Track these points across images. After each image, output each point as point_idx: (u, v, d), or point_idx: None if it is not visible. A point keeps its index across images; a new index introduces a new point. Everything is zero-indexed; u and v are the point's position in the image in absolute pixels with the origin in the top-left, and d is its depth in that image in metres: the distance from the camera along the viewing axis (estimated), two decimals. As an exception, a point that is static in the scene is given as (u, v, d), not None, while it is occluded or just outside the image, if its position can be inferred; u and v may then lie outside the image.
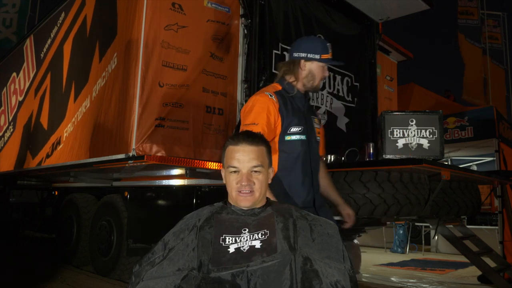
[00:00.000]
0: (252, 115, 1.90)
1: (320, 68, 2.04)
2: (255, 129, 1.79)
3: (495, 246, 4.92)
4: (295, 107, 1.99)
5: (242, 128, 1.88)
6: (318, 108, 4.18)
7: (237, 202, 1.42)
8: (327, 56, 2.04)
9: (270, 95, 1.94)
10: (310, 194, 1.97)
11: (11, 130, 6.33)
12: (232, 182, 1.42)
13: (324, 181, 2.15)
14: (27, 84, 5.83)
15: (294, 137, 1.94)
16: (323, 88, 4.25)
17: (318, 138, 2.05)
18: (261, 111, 1.90)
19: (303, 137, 1.95)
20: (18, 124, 6.06)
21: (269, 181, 1.50)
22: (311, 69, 2.03)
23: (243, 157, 1.40)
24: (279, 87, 2.04)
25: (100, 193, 4.80)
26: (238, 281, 1.21)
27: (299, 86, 2.05)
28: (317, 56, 2.02)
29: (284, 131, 1.94)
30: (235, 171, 1.41)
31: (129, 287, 1.32)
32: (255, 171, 1.41)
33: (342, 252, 1.31)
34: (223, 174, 1.50)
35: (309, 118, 2.04)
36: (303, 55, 2.03)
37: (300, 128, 1.95)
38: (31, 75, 5.69)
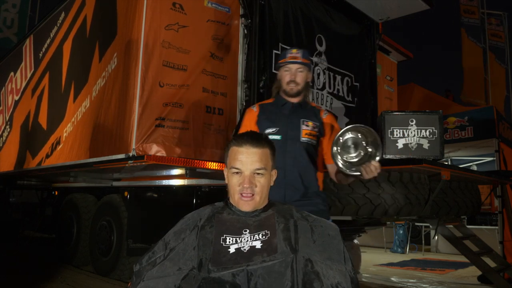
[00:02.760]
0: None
1: (282, 73, 2.27)
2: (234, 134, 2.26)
3: (495, 246, 4.93)
4: (276, 112, 2.27)
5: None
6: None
7: (238, 206, 1.42)
8: (283, 60, 2.27)
9: (253, 107, 2.35)
10: (281, 189, 2.12)
11: (8, 130, 6.34)
12: (234, 184, 1.42)
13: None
14: (24, 84, 5.83)
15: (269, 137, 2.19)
16: (323, 88, 4.25)
17: (304, 138, 2.21)
18: (243, 119, 2.34)
19: (277, 137, 2.19)
20: (15, 124, 6.05)
21: (272, 183, 1.50)
22: (280, 77, 2.31)
23: (246, 159, 1.40)
24: (271, 100, 2.36)
25: (100, 193, 4.80)
26: (238, 280, 1.21)
27: (282, 94, 2.31)
28: (277, 64, 2.32)
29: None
30: (237, 173, 1.41)
31: (129, 287, 1.32)
32: (258, 173, 1.41)
33: (343, 254, 1.31)
34: (225, 174, 1.50)
35: (293, 121, 2.24)
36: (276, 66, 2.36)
37: (274, 129, 2.21)
38: (28, 75, 5.69)
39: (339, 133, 1.83)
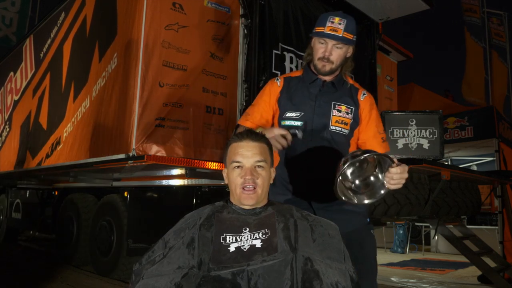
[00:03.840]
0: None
1: (316, 44, 1.78)
2: (249, 108, 1.92)
3: (495, 246, 4.93)
4: (302, 91, 1.83)
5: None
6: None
7: (240, 201, 1.41)
8: (320, 29, 1.75)
9: (277, 79, 1.90)
10: (304, 194, 1.76)
11: (8, 129, 6.34)
12: (235, 178, 1.41)
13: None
14: (24, 84, 5.83)
15: (288, 123, 1.80)
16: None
17: (334, 127, 1.78)
18: (261, 93, 1.93)
19: (299, 123, 1.79)
20: (14, 124, 6.06)
21: (271, 181, 1.50)
22: (313, 46, 1.81)
23: (247, 152, 1.41)
24: (299, 73, 1.91)
25: (100, 193, 4.80)
26: (239, 280, 1.21)
27: (312, 67, 1.83)
28: (313, 31, 1.79)
29: (280, 116, 1.84)
30: (238, 166, 1.42)
31: (129, 286, 1.32)
32: (259, 166, 1.42)
33: (342, 253, 1.31)
34: (225, 174, 1.50)
35: (321, 105, 1.79)
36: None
37: (297, 114, 1.79)
38: (29, 75, 5.69)
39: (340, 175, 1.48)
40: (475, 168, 8.25)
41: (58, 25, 4.95)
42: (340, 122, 1.79)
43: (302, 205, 1.65)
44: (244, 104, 3.61)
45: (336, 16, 1.77)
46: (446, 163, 6.96)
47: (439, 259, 7.19)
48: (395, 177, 1.48)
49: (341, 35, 1.73)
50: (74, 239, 4.93)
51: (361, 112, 1.83)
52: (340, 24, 1.75)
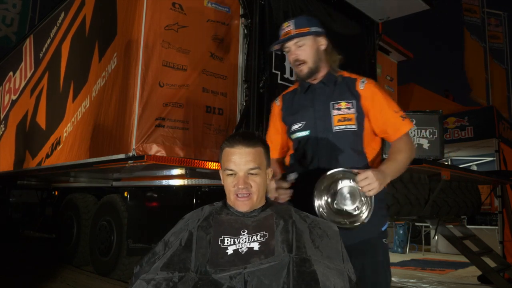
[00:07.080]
0: None
1: (288, 56, 1.85)
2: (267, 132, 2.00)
3: (495, 246, 4.93)
4: (300, 101, 1.85)
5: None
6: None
7: (235, 206, 1.41)
8: (278, 40, 1.83)
9: (276, 100, 1.96)
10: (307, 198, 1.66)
11: (3, 129, 6.35)
12: (229, 185, 1.41)
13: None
14: (23, 84, 5.84)
15: (295, 135, 1.83)
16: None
17: (338, 126, 1.74)
18: (269, 118, 2.00)
19: (305, 132, 1.79)
20: (10, 123, 6.07)
21: (267, 182, 1.49)
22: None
23: (239, 159, 1.39)
24: (296, 86, 1.93)
25: (100, 193, 4.80)
26: (235, 283, 1.20)
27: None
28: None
29: (288, 132, 1.87)
30: (231, 174, 1.40)
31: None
32: (252, 174, 1.39)
33: (341, 253, 1.31)
34: (221, 175, 1.49)
35: (319, 108, 1.77)
36: None
37: (300, 124, 1.80)
38: (28, 75, 5.70)
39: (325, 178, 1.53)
40: (475, 168, 8.26)
41: (58, 25, 4.95)
42: (343, 119, 1.73)
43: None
44: (244, 104, 3.61)
45: (285, 22, 1.82)
46: (446, 163, 6.97)
47: (439, 259, 7.19)
48: (363, 185, 1.49)
49: (294, 33, 1.76)
50: (74, 239, 4.93)
51: (364, 102, 1.74)
52: (289, 26, 1.79)
